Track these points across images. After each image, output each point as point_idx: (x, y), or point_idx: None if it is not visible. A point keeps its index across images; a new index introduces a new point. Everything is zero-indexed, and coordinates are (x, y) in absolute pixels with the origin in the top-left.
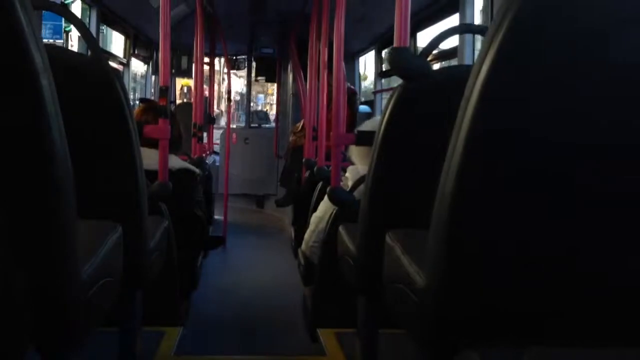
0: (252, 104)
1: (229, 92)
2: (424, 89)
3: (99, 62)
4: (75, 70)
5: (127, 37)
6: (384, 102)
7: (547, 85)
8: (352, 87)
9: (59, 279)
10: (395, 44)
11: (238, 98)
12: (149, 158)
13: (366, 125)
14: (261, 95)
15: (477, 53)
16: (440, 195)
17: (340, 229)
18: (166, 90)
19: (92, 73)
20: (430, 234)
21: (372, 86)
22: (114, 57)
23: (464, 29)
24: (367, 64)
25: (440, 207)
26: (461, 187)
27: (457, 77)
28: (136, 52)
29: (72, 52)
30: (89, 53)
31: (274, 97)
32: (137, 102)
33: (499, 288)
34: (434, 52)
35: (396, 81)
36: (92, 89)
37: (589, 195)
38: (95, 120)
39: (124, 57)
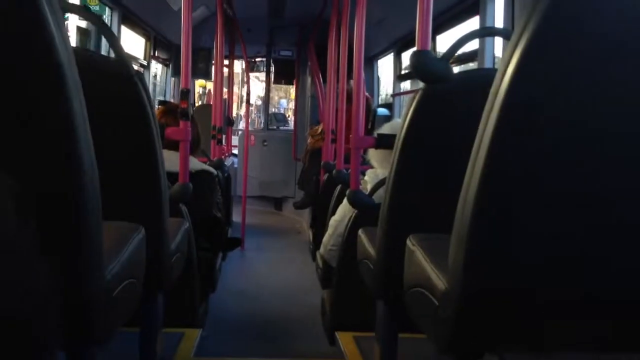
0: (274, 109)
1: (248, 94)
2: (445, 92)
3: (123, 65)
4: (99, 72)
5: (147, 39)
6: (403, 104)
7: (573, 89)
8: (366, 93)
9: (85, 279)
10: (417, 47)
11: (260, 102)
12: (169, 160)
13: (385, 128)
14: (284, 100)
15: (497, 56)
16: (463, 199)
17: (360, 232)
18: (187, 93)
19: (116, 75)
20: (452, 238)
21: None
22: (134, 60)
23: (486, 32)
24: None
25: (463, 211)
26: (485, 192)
27: (479, 80)
28: (156, 54)
29: (96, 54)
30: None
31: None
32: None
33: (521, 293)
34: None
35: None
36: (115, 91)
37: (613, 202)
38: (118, 121)
39: (144, 59)
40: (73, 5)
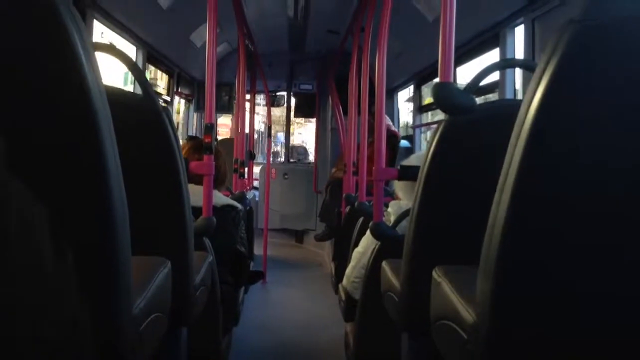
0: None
1: (269, 127)
2: (468, 123)
3: (150, 100)
4: (127, 108)
5: (170, 75)
6: (422, 136)
7: (599, 119)
8: (393, 129)
9: (113, 314)
10: (439, 79)
11: (256, 136)
12: (194, 194)
13: (411, 160)
14: (281, 134)
15: (517, 87)
16: (490, 231)
17: (384, 264)
18: (211, 128)
19: (143, 111)
20: (480, 270)
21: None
22: (159, 95)
23: (509, 63)
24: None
25: (490, 242)
26: (512, 223)
27: (502, 111)
28: (179, 90)
29: (125, 91)
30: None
31: (298, 136)
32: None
33: (552, 325)
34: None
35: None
36: (143, 126)
37: None
38: (145, 156)
39: (168, 95)
40: (104, 44)
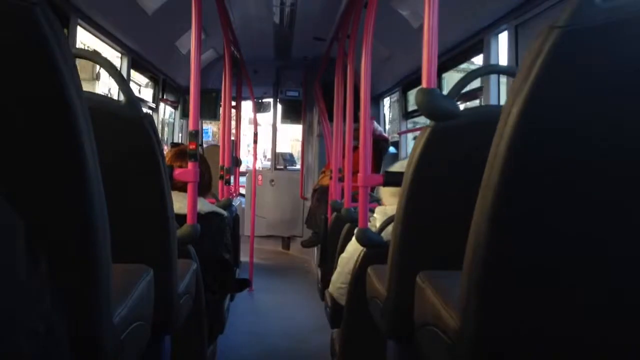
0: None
1: (255, 134)
2: (452, 129)
3: (133, 107)
4: (109, 115)
5: (155, 82)
6: (409, 142)
7: (579, 126)
8: (384, 134)
9: (93, 322)
10: (423, 85)
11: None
12: (178, 202)
13: (396, 167)
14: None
15: (502, 93)
16: (473, 236)
17: (369, 270)
18: (196, 135)
19: (125, 118)
20: (463, 275)
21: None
22: (144, 102)
23: (491, 69)
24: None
25: (473, 247)
26: (495, 227)
27: (486, 117)
28: (165, 97)
29: (107, 97)
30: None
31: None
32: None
33: (535, 331)
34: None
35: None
36: (125, 133)
37: (630, 240)
38: (127, 164)
39: (153, 101)
40: (84, 50)
